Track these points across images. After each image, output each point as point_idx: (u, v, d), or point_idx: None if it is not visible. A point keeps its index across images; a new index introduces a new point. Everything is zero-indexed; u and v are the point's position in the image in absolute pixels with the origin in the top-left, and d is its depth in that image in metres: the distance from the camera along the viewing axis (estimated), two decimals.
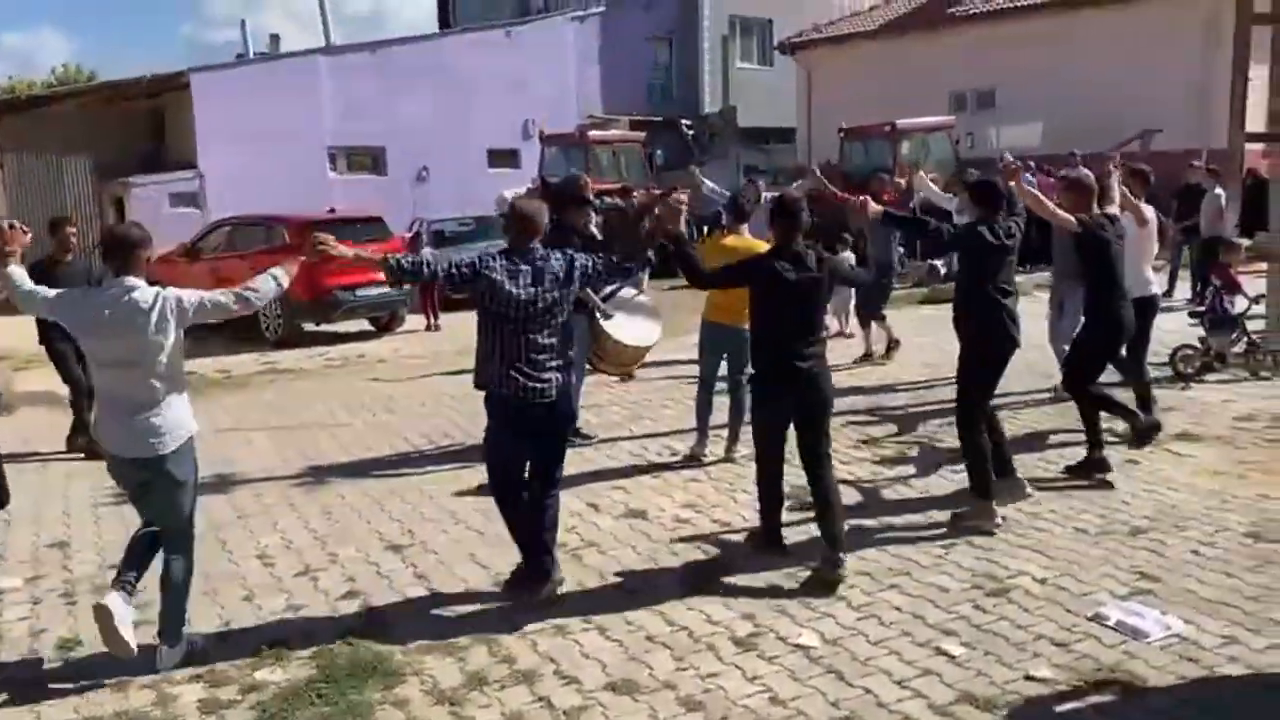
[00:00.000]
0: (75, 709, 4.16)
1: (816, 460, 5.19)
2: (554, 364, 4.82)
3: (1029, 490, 6.03)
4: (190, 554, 4.58)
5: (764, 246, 7.30)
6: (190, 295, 4.42)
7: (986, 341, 5.78)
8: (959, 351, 5.95)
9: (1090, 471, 6.42)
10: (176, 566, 4.51)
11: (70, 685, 4.36)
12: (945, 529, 5.69)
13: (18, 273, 4.58)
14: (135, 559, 4.52)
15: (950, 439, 6.96)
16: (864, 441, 7.50)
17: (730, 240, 6.75)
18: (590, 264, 4.96)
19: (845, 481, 6.57)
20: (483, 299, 4.79)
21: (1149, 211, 7.76)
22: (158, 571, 4.51)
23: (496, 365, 4.77)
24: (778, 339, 5.07)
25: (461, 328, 13.93)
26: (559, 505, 5.16)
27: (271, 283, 4.59)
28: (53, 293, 4.61)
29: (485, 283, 4.73)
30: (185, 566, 4.54)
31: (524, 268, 4.77)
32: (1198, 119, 18.43)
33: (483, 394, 4.92)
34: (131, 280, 4.31)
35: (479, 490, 6.75)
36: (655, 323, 7.43)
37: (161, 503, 4.47)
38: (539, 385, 4.77)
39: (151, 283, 4.41)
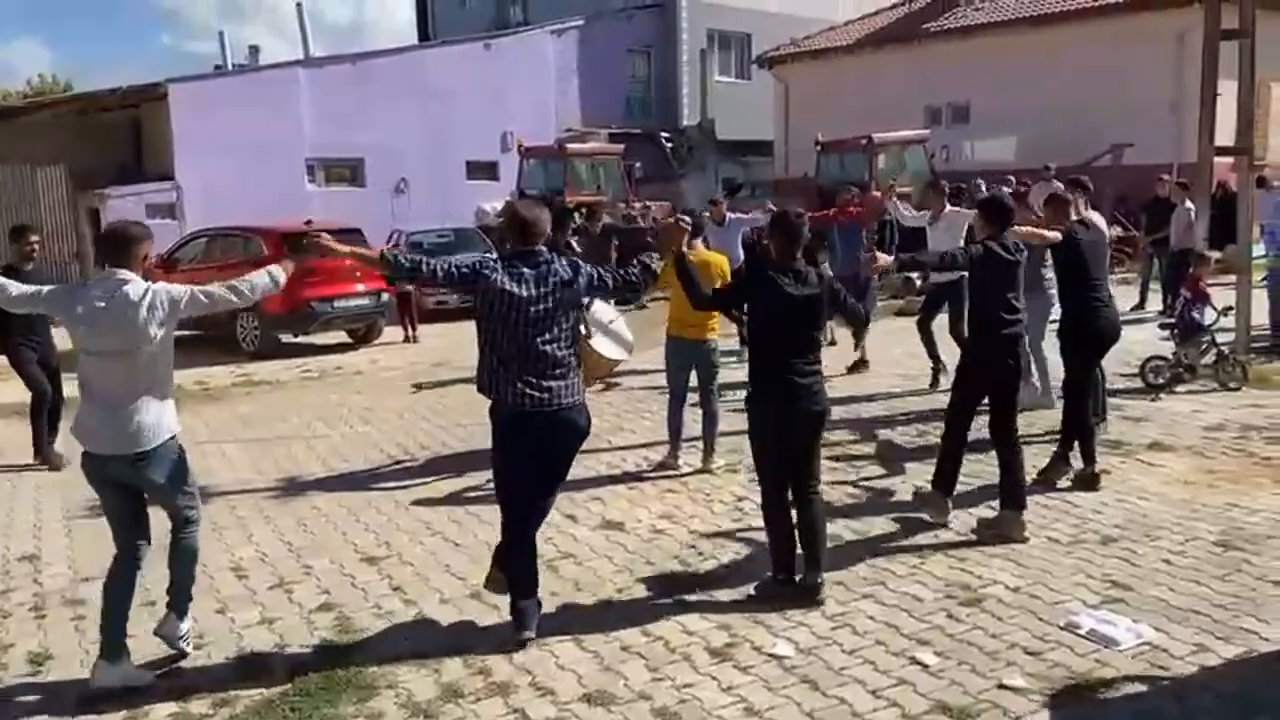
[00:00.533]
0: None
1: (808, 481, 5.07)
2: (559, 371, 4.58)
3: (948, 516, 5.98)
4: (195, 532, 4.66)
5: (723, 260, 7.43)
6: (179, 289, 4.44)
7: (986, 367, 5.88)
8: (959, 362, 6.13)
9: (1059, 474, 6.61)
10: (185, 543, 4.63)
11: (37, 701, 4.32)
12: (920, 549, 5.72)
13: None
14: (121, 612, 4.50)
15: (926, 446, 7.03)
16: (840, 456, 7.53)
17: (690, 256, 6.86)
18: (597, 274, 4.78)
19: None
20: (482, 304, 4.58)
21: (1098, 220, 7.96)
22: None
23: (499, 375, 4.56)
24: (778, 355, 5.00)
25: (439, 340, 13.95)
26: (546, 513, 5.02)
27: (266, 278, 4.62)
28: (44, 288, 4.68)
29: (484, 283, 4.52)
30: (192, 543, 4.64)
31: (527, 272, 4.57)
32: (1169, 133, 18.68)
33: (481, 401, 4.76)
34: (124, 274, 4.33)
35: (453, 501, 6.77)
36: (627, 335, 7.56)
37: (157, 497, 4.53)
38: (541, 395, 4.54)
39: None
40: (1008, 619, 4.69)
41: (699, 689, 4.18)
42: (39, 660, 4.68)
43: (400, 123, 23.03)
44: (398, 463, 7.89)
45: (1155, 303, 13.34)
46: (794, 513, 5.07)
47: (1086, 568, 5.23)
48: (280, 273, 4.65)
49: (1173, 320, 9.43)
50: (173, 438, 4.46)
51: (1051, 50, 20.87)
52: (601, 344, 7.25)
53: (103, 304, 4.27)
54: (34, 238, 8.28)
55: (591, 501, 6.64)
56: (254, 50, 29.93)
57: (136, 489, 4.48)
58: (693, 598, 5.07)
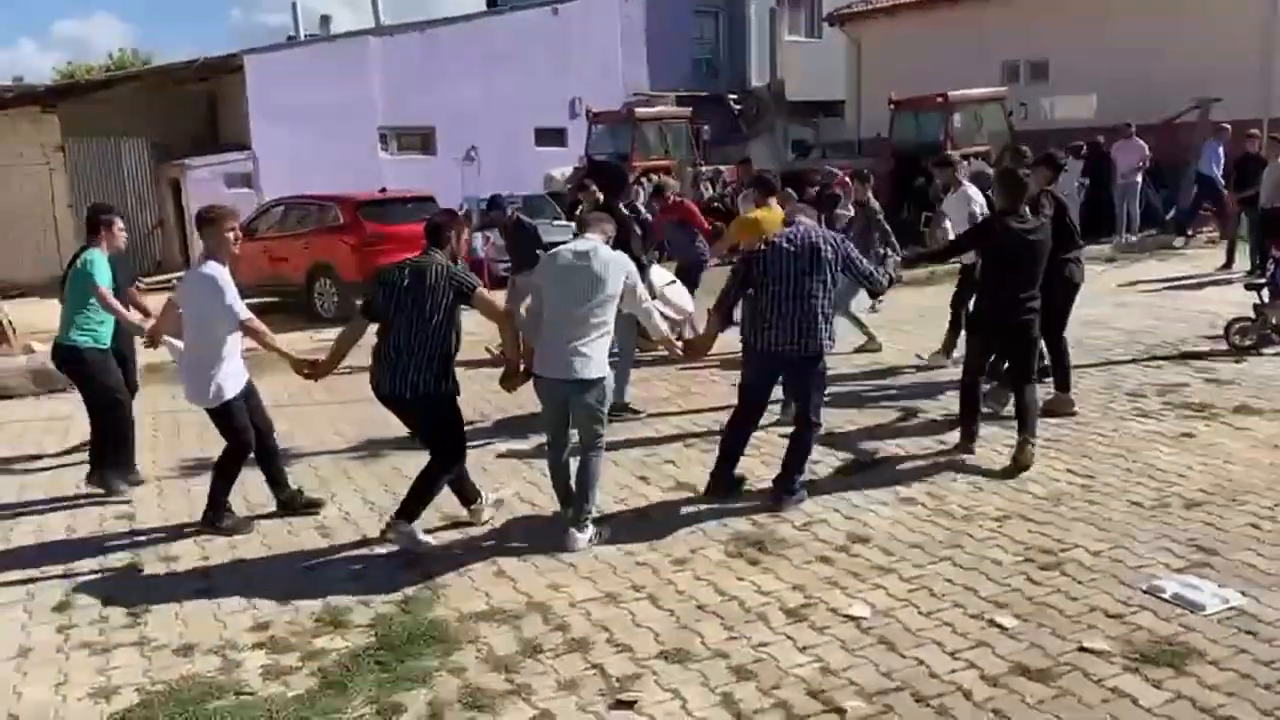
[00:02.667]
0: (144, 672, 4.29)
1: (1027, 369, 6.37)
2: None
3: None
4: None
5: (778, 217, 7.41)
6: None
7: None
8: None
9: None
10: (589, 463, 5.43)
11: (138, 650, 4.51)
12: (999, 507, 5.67)
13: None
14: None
15: (1005, 413, 6.96)
16: (913, 424, 7.46)
17: (758, 214, 6.85)
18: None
19: (899, 456, 6.58)
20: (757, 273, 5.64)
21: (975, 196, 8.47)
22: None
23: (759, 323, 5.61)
24: (1009, 289, 6.17)
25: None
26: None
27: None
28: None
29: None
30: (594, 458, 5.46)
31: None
32: (1259, 87, 17.97)
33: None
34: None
35: (527, 461, 6.85)
36: (686, 300, 7.58)
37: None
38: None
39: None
40: (1088, 583, 4.63)
41: (775, 648, 4.21)
42: (137, 614, 4.87)
43: (469, 90, 23.11)
44: (471, 424, 7.99)
45: (1243, 263, 12.96)
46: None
47: (1170, 532, 5.14)
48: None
49: (1261, 280, 9.14)
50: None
51: (1134, 1, 20.16)
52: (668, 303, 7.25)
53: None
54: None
55: (664, 464, 6.69)
56: (325, 20, 30.18)
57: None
58: (767, 559, 5.09)
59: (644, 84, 26.26)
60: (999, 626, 4.27)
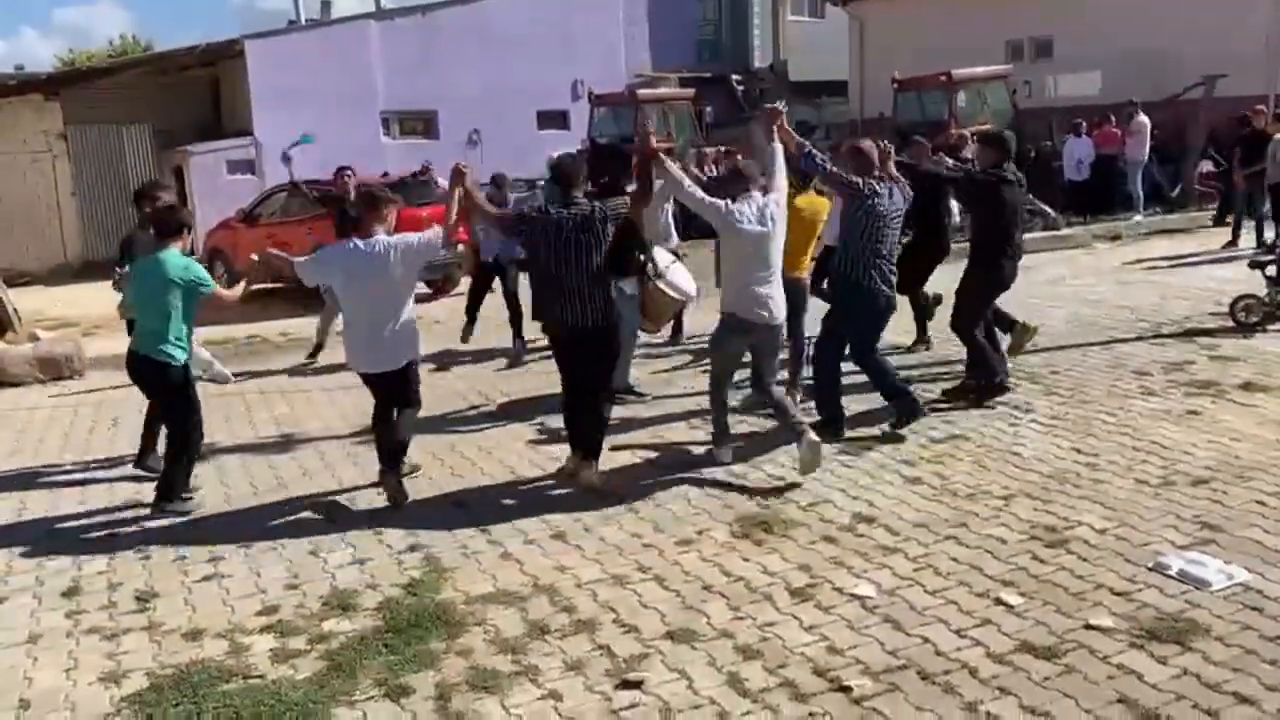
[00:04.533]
0: (153, 657, 4.32)
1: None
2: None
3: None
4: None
5: (826, 203, 7.36)
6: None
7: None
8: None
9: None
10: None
11: (147, 634, 4.53)
12: (1004, 485, 5.67)
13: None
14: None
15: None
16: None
17: (801, 200, 6.87)
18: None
19: (903, 436, 6.58)
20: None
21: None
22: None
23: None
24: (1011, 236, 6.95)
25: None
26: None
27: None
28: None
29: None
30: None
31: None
32: (1264, 64, 17.86)
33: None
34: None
35: (534, 445, 6.87)
36: (686, 282, 7.57)
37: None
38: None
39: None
40: (1094, 560, 4.63)
41: (781, 628, 4.22)
42: (145, 598, 4.89)
43: (471, 73, 23.03)
44: (477, 408, 8.02)
45: (1248, 240, 12.91)
46: None
47: (1176, 509, 5.13)
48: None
49: (1269, 258, 9.09)
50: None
51: None
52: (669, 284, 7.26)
53: None
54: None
55: (670, 446, 6.69)
56: (325, 4, 30.08)
57: None
58: (772, 539, 5.10)
59: (647, 65, 26.14)
60: (1005, 604, 4.28)
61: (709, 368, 6.56)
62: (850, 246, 6.38)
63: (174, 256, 5.82)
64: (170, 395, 5.97)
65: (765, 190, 6.00)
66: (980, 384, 7.08)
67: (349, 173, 10.43)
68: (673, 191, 6.15)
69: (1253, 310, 8.68)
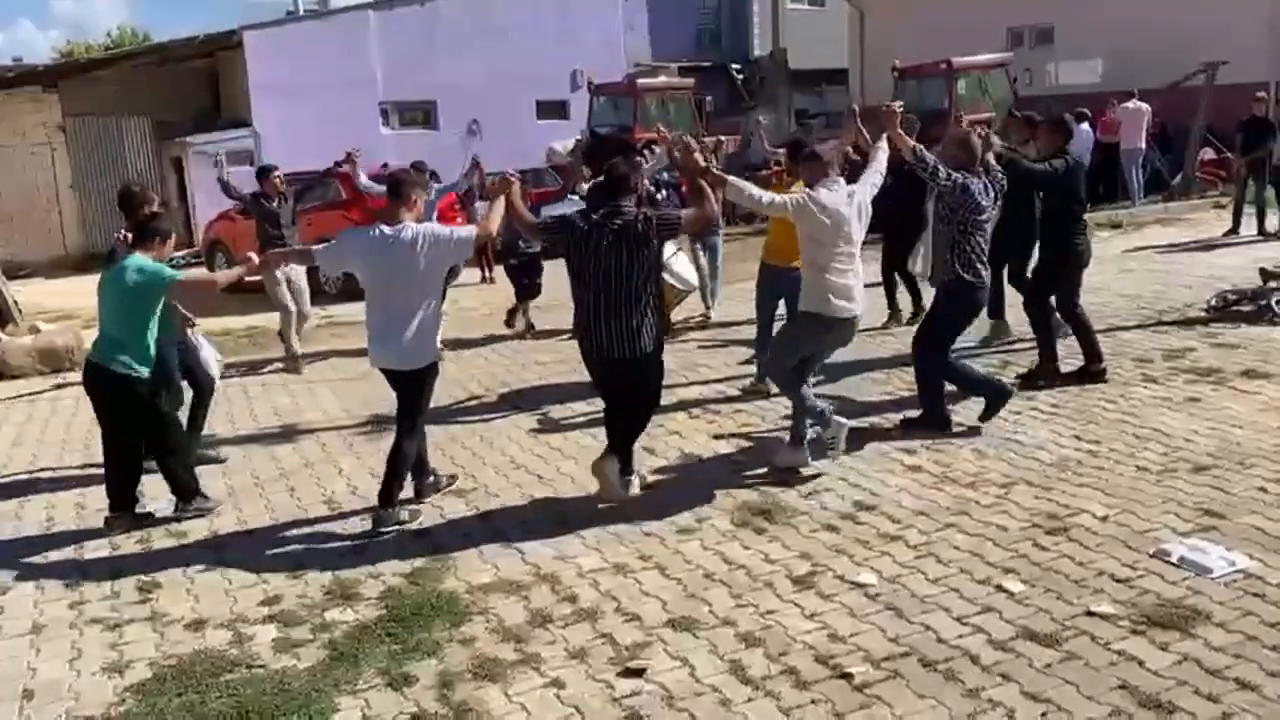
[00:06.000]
0: (156, 647, 4.33)
1: None
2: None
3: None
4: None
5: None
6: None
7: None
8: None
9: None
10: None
11: (149, 625, 4.54)
12: (1005, 473, 5.67)
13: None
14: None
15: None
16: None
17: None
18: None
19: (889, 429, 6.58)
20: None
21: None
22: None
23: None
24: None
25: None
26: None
27: None
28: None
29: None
30: None
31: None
32: (1267, 50, 17.80)
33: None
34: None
35: (535, 436, 6.87)
36: (693, 270, 7.60)
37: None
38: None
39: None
40: (1095, 547, 4.64)
41: (782, 615, 4.22)
42: (148, 588, 4.90)
43: (470, 63, 22.99)
44: (479, 399, 8.03)
45: (1249, 227, 12.89)
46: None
47: (1177, 496, 5.13)
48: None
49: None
50: None
51: None
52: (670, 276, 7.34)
53: None
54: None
55: (669, 436, 6.69)
56: None
57: None
58: (774, 528, 5.10)
59: (646, 55, 26.09)
60: (1006, 592, 4.28)
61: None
62: (950, 240, 6.23)
63: (134, 260, 5.51)
64: (131, 412, 5.61)
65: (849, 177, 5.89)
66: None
67: (277, 174, 10.14)
68: (740, 201, 5.74)
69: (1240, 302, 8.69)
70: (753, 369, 7.72)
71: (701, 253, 9.62)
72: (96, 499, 6.19)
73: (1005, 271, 7.90)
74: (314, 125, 19.90)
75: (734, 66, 27.71)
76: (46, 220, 19.93)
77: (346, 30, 22.36)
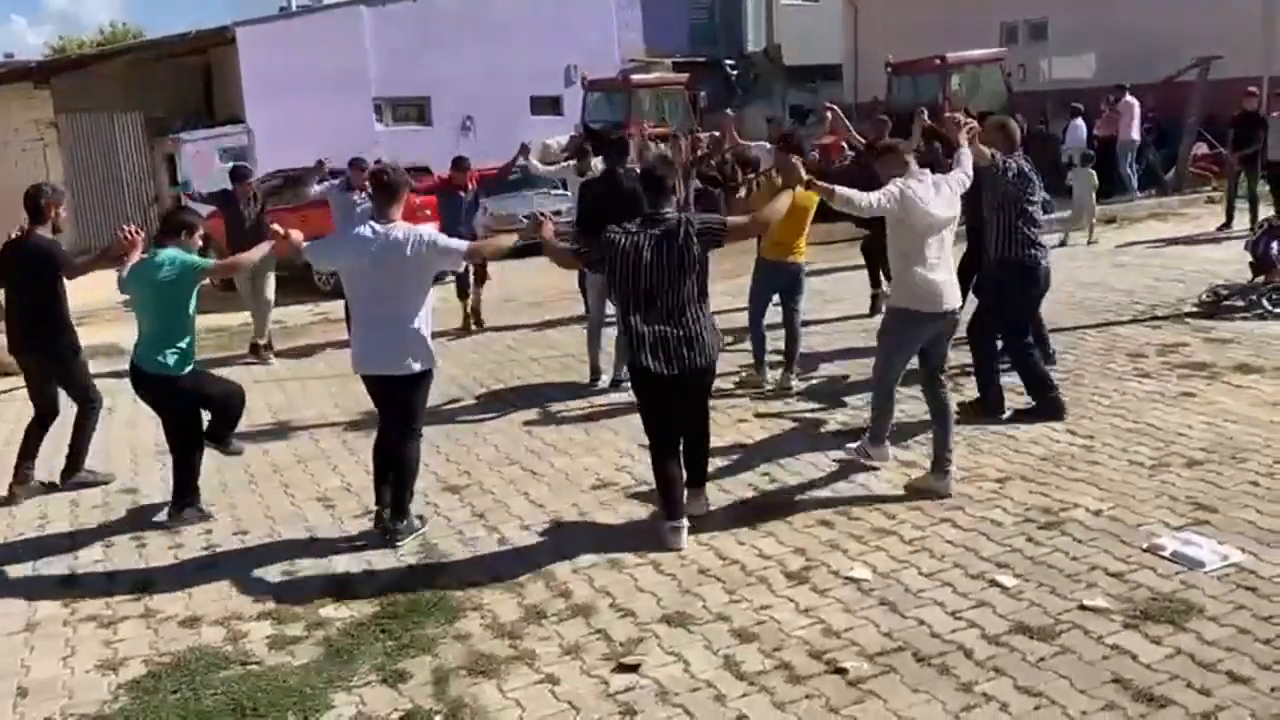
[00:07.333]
0: (150, 644, 4.32)
1: None
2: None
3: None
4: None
5: (815, 196, 7.36)
6: None
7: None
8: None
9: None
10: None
11: (144, 622, 4.53)
12: (999, 468, 5.68)
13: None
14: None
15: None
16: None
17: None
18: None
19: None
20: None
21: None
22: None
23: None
24: None
25: (510, 278, 14.04)
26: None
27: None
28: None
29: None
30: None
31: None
32: (1260, 45, 17.82)
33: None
34: None
35: (529, 432, 6.87)
36: None
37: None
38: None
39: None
40: (1088, 542, 4.65)
41: (776, 610, 4.23)
42: (141, 586, 4.89)
43: (463, 59, 22.93)
44: (474, 396, 8.02)
45: (1241, 222, 12.90)
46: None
47: (1170, 490, 5.15)
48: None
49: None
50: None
51: None
52: None
53: None
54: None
55: None
56: None
57: None
58: (768, 523, 5.11)
59: (640, 50, 26.05)
60: (1000, 586, 4.29)
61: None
62: (1005, 226, 6.33)
63: (165, 254, 5.55)
64: (174, 412, 5.67)
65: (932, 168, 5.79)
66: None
67: (251, 180, 10.35)
68: (848, 210, 5.43)
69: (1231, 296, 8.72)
70: (746, 361, 7.71)
71: None
72: (90, 496, 6.19)
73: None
74: (307, 121, 19.84)
75: (728, 62, 27.70)
76: None
77: (340, 26, 22.29)
